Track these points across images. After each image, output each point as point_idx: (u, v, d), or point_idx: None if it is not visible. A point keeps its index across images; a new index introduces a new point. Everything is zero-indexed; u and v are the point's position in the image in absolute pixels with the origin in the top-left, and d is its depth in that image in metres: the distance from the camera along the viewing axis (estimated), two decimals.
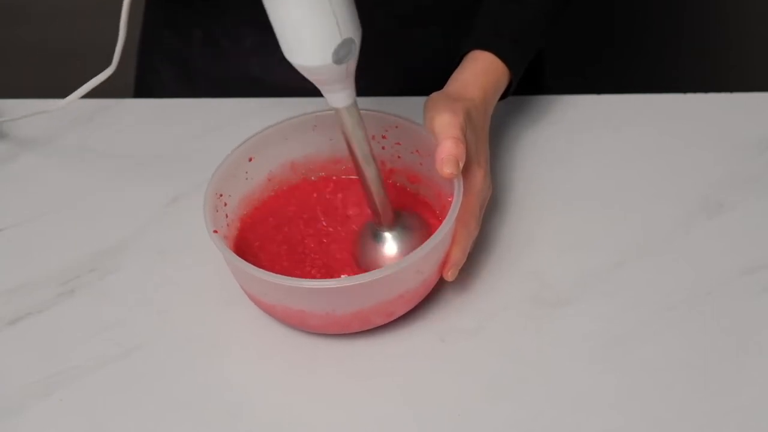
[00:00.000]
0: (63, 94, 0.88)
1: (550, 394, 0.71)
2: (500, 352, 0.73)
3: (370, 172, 0.71)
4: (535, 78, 1.02)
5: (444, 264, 0.73)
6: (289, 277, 0.69)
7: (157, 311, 0.78)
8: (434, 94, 0.78)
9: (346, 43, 0.63)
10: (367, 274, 0.68)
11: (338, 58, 0.63)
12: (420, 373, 0.73)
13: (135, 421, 0.71)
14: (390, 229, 0.75)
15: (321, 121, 0.80)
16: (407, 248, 0.74)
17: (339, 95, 0.67)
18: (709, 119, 0.91)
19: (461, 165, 0.72)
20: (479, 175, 0.76)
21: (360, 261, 0.76)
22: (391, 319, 0.74)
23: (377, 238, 0.75)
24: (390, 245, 0.75)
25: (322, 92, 0.67)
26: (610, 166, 0.87)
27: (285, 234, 0.79)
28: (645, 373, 0.71)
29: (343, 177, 0.82)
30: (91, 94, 0.85)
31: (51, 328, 0.77)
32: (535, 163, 0.88)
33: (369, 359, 0.73)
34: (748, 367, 0.72)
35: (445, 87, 0.80)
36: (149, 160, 0.91)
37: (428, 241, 0.69)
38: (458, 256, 0.73)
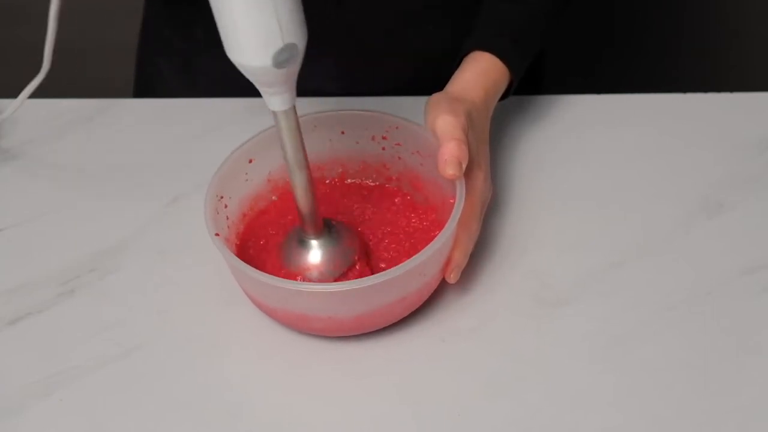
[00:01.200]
0: (63, 94, 0.88)
1: (549, 392, 0.71)
2: (500, 352, 0.73)
3: (299, 179, 0.70)
4: (535, 78, 1.02)
5: (446, 266, 0.73)
6: (292, 281, 0.69)
7: (157, 311, 0.78)
8: (435, 95, 0.78)
9: (287, 48, 0.62)
10: (369, 277, 0.68)
11: (278, 62, 0.62)
12: (420, 373, 0.73)
13: (135, 421, 0.71)
14: (316, 237, 0.74)
15: (321, 121, 0.80)
16: (331, 258, 0.73)
17: (277, 98, 0.66)
18: (709, 119, 0.91)
19: (464, 166, 0.72)
20: (480, 177, 0.76)
21: (283, 262, 0.75)
22: (393, 321, 0.74)
23: (302, 244, 0.74)
24: (314, 253, 0.74)
25: (261, 93, 0.66)
26: (610, 166, 0.87)
27: (285, 235, 0.79)
28: (644, 373, 0.71)
29: (344, 179, 0.82)
30: (91, 94, 0.85)
31: (51, 328, 0.77)
32: (534, 163, 0.88)
33: (369, 359, 0.73)
34: (747, 367, 0.72)
35: (446, 88, 0.80)
36: (149, 160, 0.91)
37: (432, 243, 0.69)
38: (460, 258, 0.73)
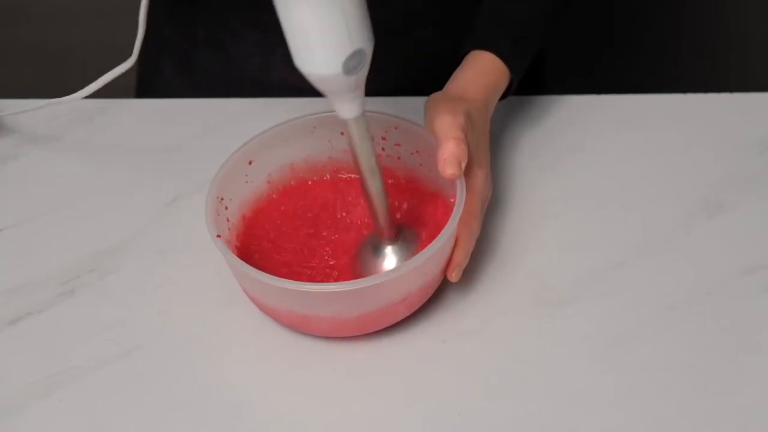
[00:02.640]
0: (63, 94, 0.88)
1: (550, 393, 0.71)
2: (501, 352, 0.73)
3: (374, 186, 0.70)
4: (536, 78, 1.02)
5: (447, 265, 0.73)
6: (294, 281, 0.69)
7: (157, 311, 0.78)
8: (434, 95, 0.78)
9: (356, 54, 0.62)
10: (371, 277, 0.68)
11: (348, 69, 0.62)
12: (421, 373, 0.73)
13: (135, 421, 0.71)
14: (391, 243, 0.74)
15: (320, 123, 0.80)
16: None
17: (347, 106, 0.66)
18: (709, 119, 0.91)
19: (463, 165, 0.72)
20: (480, 176, 0.76)
21: (360, 274, 0.75)
22: (395, 321, 0.74)
23: (378, 251, 0.75)
24: (390, 259, 0.74)
25: (331, 102, 0.66)
26: (610, 166, 0.87)
27: (285, 236, 0.79)
28: (645, 373, 0.71)
29: (342, 179, 0.82)
30: (91, 94, 0.85)
31: (51, 328, 0.77)
32: (535, 163, 0.88)
33: (369, 359, 0.73)
34: (747, 367, 0.72)
35: (445, 87, 0.80)
36: (149, 160, 0.91)
37: (433, 242, 0.69)
38: (461, 257, 0.73)
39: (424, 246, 0.74)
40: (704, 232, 0.81)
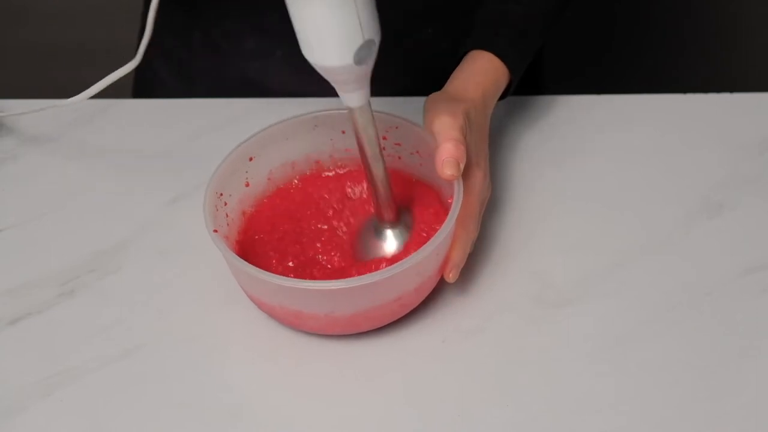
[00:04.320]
0: (63, 94, 0.88)
1: (550, 394, 0.71)
2: (501, 353, 0.73)
3: (378, 171, 0.72)
4: (535, 78, 1.02)
5: (444, 265, 0.73)
6: (288, 278, 0.69)
7: (157, 311, 0.78)
8: (433, 95, 0.78)
9: (367, 44, 0.63)
10: (366, 275, 0.68)
11: (359, 59, 0.63)
12: (420, 374, 0.73)
13: (135, 421, 0.71)
14: (392, 226, 0.75)
15: (322, 120, 0.80)
16: (407, 245, 0.74)
17: (354, 95, 0.67)
18: (709, 119, 0.91)
19: (462, 167, 0.72)
20: (478, 176, 0.76)
21: (359, 255, 0.76)
22: (392, 320, 0.74)
23: (379, 234, 0.76)
24: (391, 242, 0.75)
25: (338, 91, 0.67)
26: (610, 167, 0.87)
27: (284, 234, 0.79)
28: (645, 374, 0.71)
29: (343, 176, 0.82)
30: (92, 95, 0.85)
31: (51, 328, 0.77)
32: (535, 164, 0.88)
33: (369, 360, 0.74)
34: (748, 367, 0.72)
35: (445, 87, 0.80)
36: (149, 161, 0.91)
37: (428, 242, 0.69)
38: (458, 258, 0.73)
39: (417, 233, 0.75)
40: (704, 232, 0.81)
